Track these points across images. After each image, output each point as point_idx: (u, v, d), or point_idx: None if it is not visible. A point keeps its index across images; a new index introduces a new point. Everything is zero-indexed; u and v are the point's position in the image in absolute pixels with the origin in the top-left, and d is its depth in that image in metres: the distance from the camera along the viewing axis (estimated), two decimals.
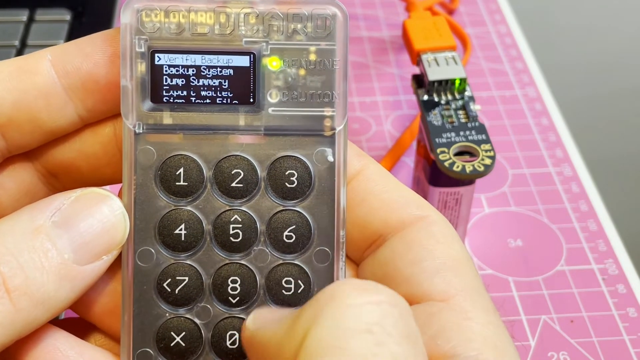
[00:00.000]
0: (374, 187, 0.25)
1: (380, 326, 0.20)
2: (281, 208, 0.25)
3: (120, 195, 0.25)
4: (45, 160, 0.26)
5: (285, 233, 0.25)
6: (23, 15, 0.52)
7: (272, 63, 0.25)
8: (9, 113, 0.24)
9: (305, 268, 0.25)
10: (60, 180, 0.27)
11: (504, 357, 0.22)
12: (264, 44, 0.24)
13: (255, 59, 0.24)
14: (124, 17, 0.24)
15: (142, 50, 0.24)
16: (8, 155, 0.25)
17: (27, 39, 0.50)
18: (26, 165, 0.26)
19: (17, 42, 0.50)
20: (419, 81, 0.42)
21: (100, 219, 0.23)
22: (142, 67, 0.24)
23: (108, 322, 0.25)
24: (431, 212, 0.25)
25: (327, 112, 0.25)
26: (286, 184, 0.25)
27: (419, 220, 0.25)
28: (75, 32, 0.51)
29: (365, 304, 0.20)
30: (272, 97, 0.25)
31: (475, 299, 0.23)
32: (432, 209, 0.25)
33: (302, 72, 0.25)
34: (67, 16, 0.52)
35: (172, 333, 0.25)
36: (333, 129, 0.25)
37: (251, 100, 0.25)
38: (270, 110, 0.25)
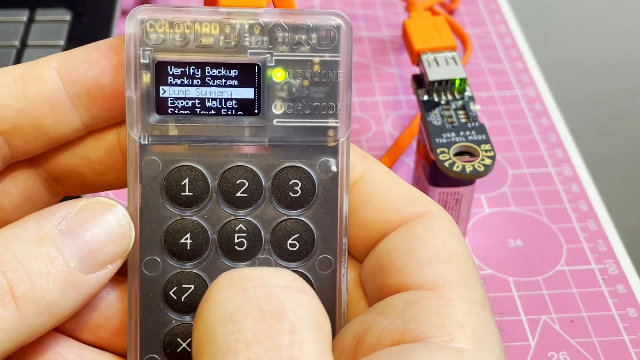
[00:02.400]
0: (378, 188, 0.25)
1: (242, 313, 0.21)
2: (285, 217, 0.25)
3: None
4: (49, 166, 0.26)
5: (289, 241, 0.25)
6: (23, 15, 0.52)
7: (276, 74, 0.25)
8: (13, 120, 0.24)
9: (308, 276, 0.25)
10: (63, 186, 0.27)
11: (482, 345, 0.22)
12: (269, 55, 0.24)
13: (260, 70, 0.24)
14: (129, 27, 0.24)
15: (147, 61, 0.24)
16: (11, 161, 0.25)
17: (27, 39, 0.50)
18: (29, 171, 0.26)
19: (17, 42, 0.50)
20: (419, 81, 0.42)
21: (106, 228, 0.24)
22: (146, 79, 0.24)
23: (115, 343, 0.25)
24: (434, 208, 0.25)
25: (331, 123, 0.25)
26: (290, 193, 0.25)
27: (420, 216, 0.25)
28: (75, 32, 0.51)
29: (230, 296, 0.21)
30: (277, 108, 0.25)
31: (463, 290, 0.23)
32: (435, 205, 0.25)
33: (306, 83, 0.25)
34: (67, 16, 0.52)
35: (178, 339, 0.25)
36: (337, 140, 0.25)
37: (256, 111, 0.25)
38: (274, 121, 0.25)
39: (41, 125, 0.24)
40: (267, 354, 0.20)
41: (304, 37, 0.24)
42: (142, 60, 0.24)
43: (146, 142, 0.24)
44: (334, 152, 0.25)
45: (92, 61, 0.25)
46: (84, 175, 0.26)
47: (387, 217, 0.25)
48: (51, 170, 0.26)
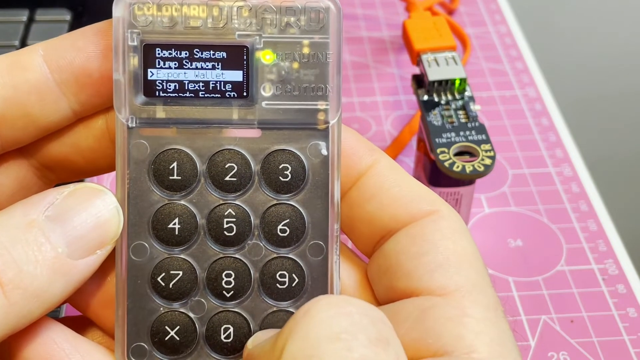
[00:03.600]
0: (384, 183, 0.25)
1: (350, 333, 0.21)
2: (275, 202, 0.25)
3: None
4: (40, 155, 0.26)
5: (279, 227, 0.25)
6: (23, 15, 0.52)
7: (265, 56, 0.24)
8: (2, 110, 0.24)
9: (299, 262, 0.25)
10: (55, 173, 0.27)
11: (501, 352, 0.22)
12: (257, 37, 0.24)
13: (248, 52, 0.24)
14: (116, 10, 0.24)
15: (135, 44, 0.24)
16: (1, 151, 0.25)
17: (27, 39, 0.50)
18: (20, 161, 0.26)
19: (17, 42, 0.50)
20: (419, 81, 0.42)
21: (94, 213, 0.23)
22: (134, 61, 0.24)
23: (103, 316, 0.25)
24: (442, 207, 0.24)
25: (321, 105, 0.25)
26: (280, 177, 0.25)
27: (428, 215, 0.24)
28: None
29: (336, 316, 0.21)
30: (266, 90, 0.25)
31: (475, 295, 0.23)
32: (443, 204, 0.25)
33: (295, 65, 0.24)
34: (67, 16, 0.52)
35: (166, 327, 0.25)
36: (327, 122, 0.25)
37: (245, 94, 0.25)
38: (263, 103, 0.25)
39: (30, 114, 0.24)
40: None
41: (292, 18, 0.24)
42: (129, 43, 0.24)
43: (134, 125, 0.24)
44: (324, 135, 0.25)
45: (79, 47, 0.24)
46: (75, 163, 0.26)
47: (393, 213, 0.24)
48: (42, 159, 0.26)
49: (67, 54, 0.24)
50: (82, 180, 0.25)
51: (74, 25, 0.51)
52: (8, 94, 0.24)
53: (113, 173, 0.27)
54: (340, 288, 0.25)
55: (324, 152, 0.25)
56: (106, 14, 0.23)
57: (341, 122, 0.25)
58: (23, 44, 0.50)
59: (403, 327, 0.23)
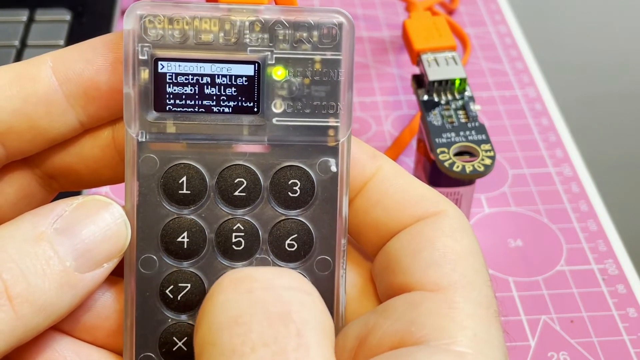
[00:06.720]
0: (389, 189, 0.25)
1: (248, 316, 0.21)
2: (284, 217, 0.25)
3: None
4: (44, 165, 0.26)
5: (287, 242, 0.25)
6: (23, 15, 0.52)
7: (276, 72, 0.24)
8: (9, 121, 0.24)
9: (306, 276, 0.25)
10: (59, 182, 0.26)
11: (483, 349, 0.22)
12: (269, 53, 0.24)
13: (259, 68, 0.24)
14: (127, 23, 0.24)
15: (145, 57, 0.24)
16: (7, 161, 0.25)
17: (27, 39, 0.50)
18: (25, 170, 0.26)
19: (17, 42, 0.50)
20: (419, 81, 0.42)
21: (102, 226, 0.23)
22: (145, 75, 0.24)
23: (112, 343, 0.25)
24: (448, 207, 0.24)
25: (332, 122, 0.25)
26: (289, 193, 0.25)
27: (432, 215, 0.24)
28: (75, 32, 0.51)
29: (236, 296, 0.21)
30: (277, 107, 0.24)
31: (468, 292, 0.23)
32: (449, 204, 0.25)
33: (307, 82, 0.24)
34: (67, 16, 0.52)
35: (174, 338, 0.25)
36: (337, 139, 0.25)
37: (255, 110, 0.24)
38: (274, 120, 0.24)
39: (37, 126, 0.24)
40: (274, 358, 0.20)
41: (305, 35, 0.24)
42: (140, 57, 0.24)
43: (144, 140, 0.24)
44: (334, 152, 0.25)
45: (88, 59, 0.24)
46: (80, 173, 0.26)
47: (398, 217, 0.24)
48: (47, 168, 0.26)
49: (76, 65, 0.24)
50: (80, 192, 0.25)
51: (74, 25, 0.51)
52: (16, 105, 0.24)
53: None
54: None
55: (334, 168, 0.25)
56: (106, 14, 0.23)
57: (351, 138, 0.25)
58: (23, 44, 0.50)
59: (390, 319, 0.23)
